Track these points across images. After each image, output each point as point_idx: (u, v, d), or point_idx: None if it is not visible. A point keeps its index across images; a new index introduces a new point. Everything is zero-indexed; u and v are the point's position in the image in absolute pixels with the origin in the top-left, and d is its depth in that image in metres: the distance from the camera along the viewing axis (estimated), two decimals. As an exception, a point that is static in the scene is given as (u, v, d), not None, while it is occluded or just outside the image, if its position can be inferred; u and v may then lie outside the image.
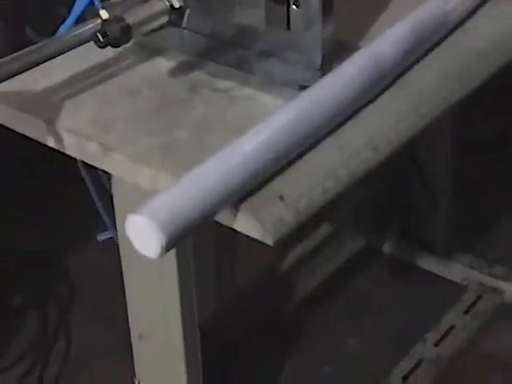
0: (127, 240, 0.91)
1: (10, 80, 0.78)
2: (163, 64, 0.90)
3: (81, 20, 0.91)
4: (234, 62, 0.89)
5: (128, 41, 0.75)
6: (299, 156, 0.75)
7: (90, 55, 0.87)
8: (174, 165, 0.75)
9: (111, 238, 1.78)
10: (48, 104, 0.84)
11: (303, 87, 0.83)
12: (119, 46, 0.75)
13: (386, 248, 1.80)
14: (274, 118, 0.73)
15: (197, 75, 0.89)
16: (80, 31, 0.78)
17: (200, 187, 0.65)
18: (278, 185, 0.72)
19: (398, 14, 0.91)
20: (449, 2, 0.93)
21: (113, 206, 0.97)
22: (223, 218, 0.70)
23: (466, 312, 1.64)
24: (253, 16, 0.84)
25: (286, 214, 0.70)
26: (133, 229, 0.63)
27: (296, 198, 0.72)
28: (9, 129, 0.87)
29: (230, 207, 0.70)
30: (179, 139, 0.79)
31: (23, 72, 0.75)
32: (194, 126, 0.81)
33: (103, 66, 0.89)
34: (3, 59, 0.74)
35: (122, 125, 0.81)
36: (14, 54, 0.75)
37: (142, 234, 0.62)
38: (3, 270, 1.76)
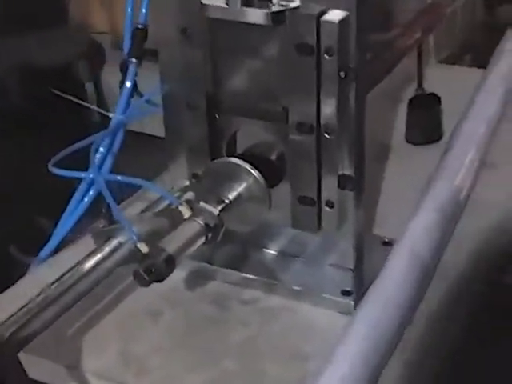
0: None
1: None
2: (175, 274, 0.82)
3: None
4: (255, 269, 0.82)
5: (171, 272, 0.66)
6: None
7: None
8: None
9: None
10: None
11: (346, 292, 0.78)
12: (163, 280, 0.66)
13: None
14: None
15: (215, 285, 0.82)
16: (109, 260, 0.69)
17: None
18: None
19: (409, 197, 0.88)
20: (457, 178, 0.91)
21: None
22: None
23: None
24: (277, 216, 0.78)
25: None
26: None
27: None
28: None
29: None
30: (230, 372, 0.70)
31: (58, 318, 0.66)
32: (240, 352, 0.72)
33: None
34: (35, 310, 0.64)
35: (156, 360, 0.72)
36: (44, 301, 0.65)
37: None
38: None
